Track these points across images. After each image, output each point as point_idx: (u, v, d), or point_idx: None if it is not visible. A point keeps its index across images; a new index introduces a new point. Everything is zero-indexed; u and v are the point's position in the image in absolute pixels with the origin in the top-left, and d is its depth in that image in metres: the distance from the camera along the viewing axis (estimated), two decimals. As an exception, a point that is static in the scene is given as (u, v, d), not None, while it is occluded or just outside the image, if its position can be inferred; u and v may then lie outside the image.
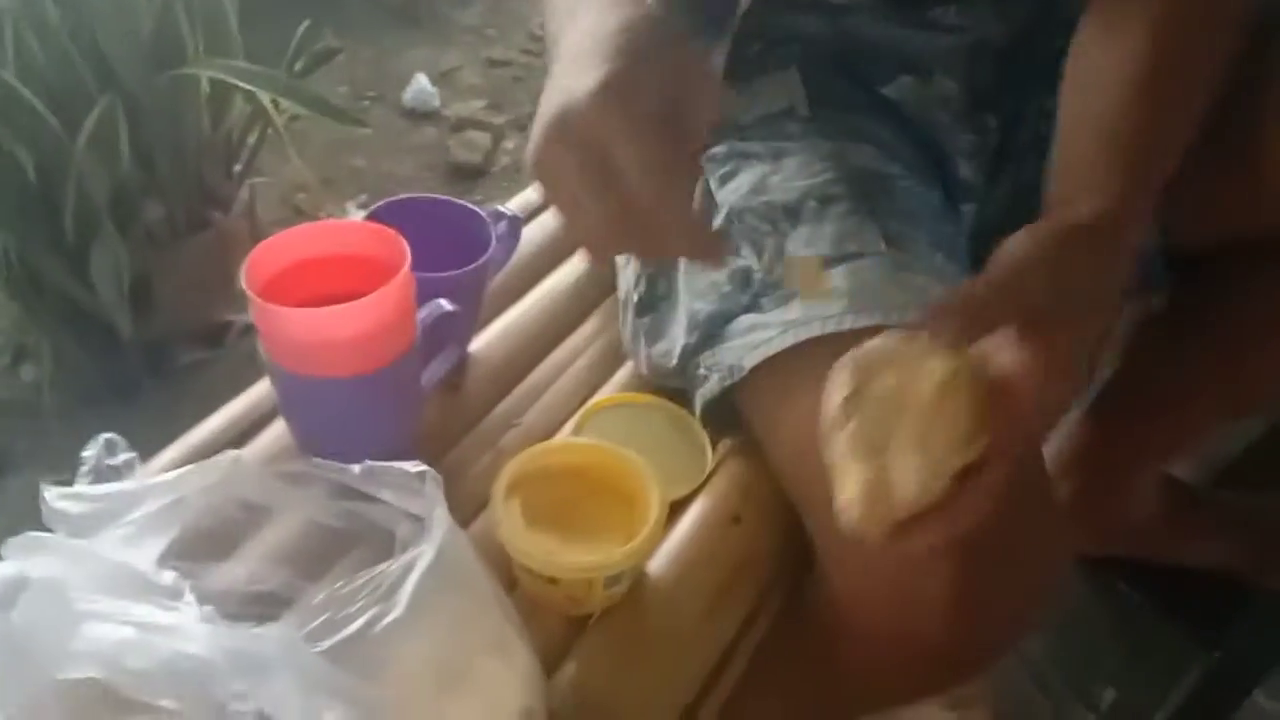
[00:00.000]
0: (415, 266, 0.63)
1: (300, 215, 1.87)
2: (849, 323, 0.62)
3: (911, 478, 0.47)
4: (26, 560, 0.42)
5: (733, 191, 0.71)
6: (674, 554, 0.63)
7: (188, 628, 0.40)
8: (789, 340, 0.63)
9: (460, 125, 2.14)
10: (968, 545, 0.57)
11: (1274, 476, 0.98)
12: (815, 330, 0.62)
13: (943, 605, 0.56)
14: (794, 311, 0.64)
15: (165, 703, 0.40)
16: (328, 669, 0.41)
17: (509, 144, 2.14)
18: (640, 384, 0.74)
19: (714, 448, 0.70)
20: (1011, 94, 0.83)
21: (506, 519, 0.57)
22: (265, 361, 0.58)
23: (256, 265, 0.57)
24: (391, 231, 0.58)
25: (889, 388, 0.49)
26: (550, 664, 0.56)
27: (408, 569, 0.45)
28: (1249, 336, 0.75)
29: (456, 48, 2.39)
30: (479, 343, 0.73)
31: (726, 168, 0.72)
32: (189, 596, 0.43)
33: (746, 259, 0.68)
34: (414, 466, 0.48)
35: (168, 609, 0.41)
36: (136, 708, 0.40)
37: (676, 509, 0.66)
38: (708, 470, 0.68)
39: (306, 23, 1.47)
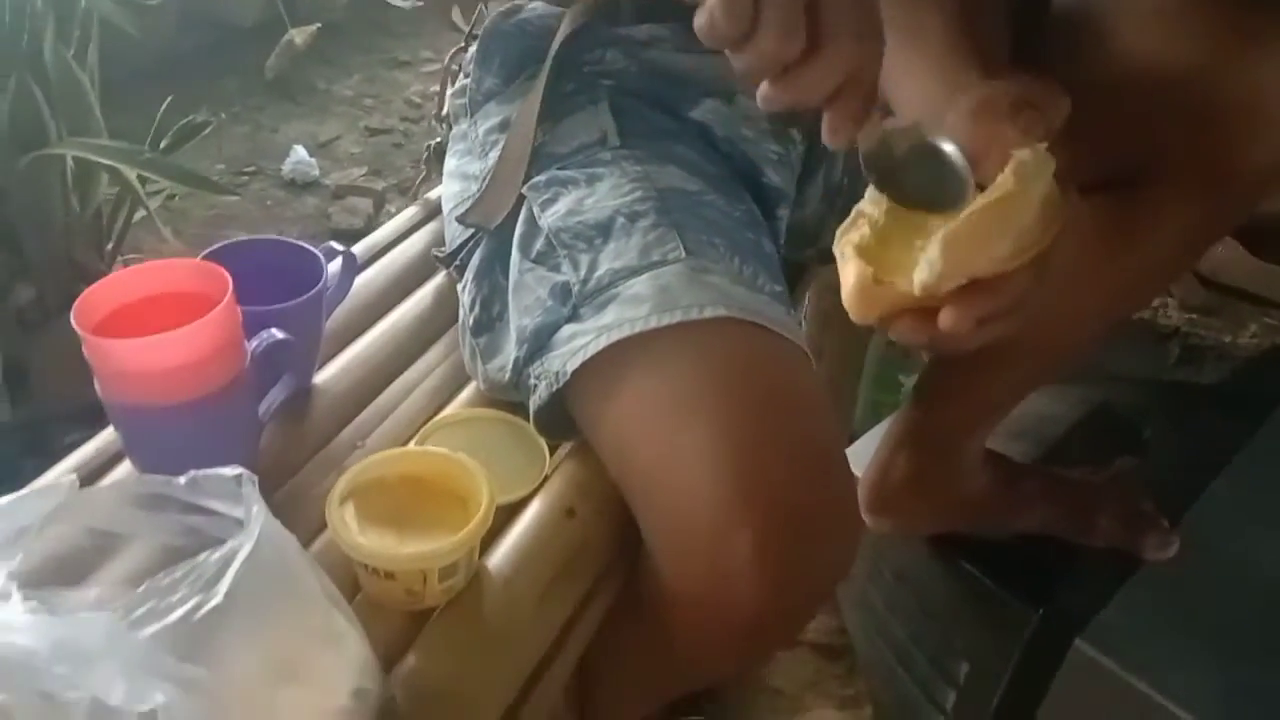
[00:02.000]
0: (253, 303, 0.68)
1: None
2: (654, 322, 0.68)
3: (930, 270, 0.51)
4: None
5: (552, 215, 0.77)
6: (511, 548, 0.67)
7: (11, 620, 0.44)
8: (603, 342, 0.68)
9: (341, 193, 2.18)
10: (768, 517, 0.63)
11: (1094, 453, 1.07)
12: (625, 331, 0.68)
13: (748, 574, 0.62)
14: (607, 317, 0.70)
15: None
16: (153, 653, 0.45)
17: (391, 207, 2.19)
18: (483, 402, 0.79)
19: (552, 453, 0.75)
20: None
21: (340, 521, 0.61)
22: (102, 399, 0.62)
23: (86, 307, 0.61)
24: (215, 266, 0.63)
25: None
26: (393, 658, 0.60)
27: (227, 560, 0.48)
28: (1055, 282, 0.81)
29: (335, 119, 2.44)
30: (323, 375, 0.78)
31: (547, 195, 0.78)
32: (15, 594, 0.46)
33: (566, 274, 0.74)
34: (231, 471, 0.52)
35: (-9, 607, 0.44)
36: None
37: (516, 509, 0.71)
38: (545, 473, 0.73)
39: (169, 99, 1.51)
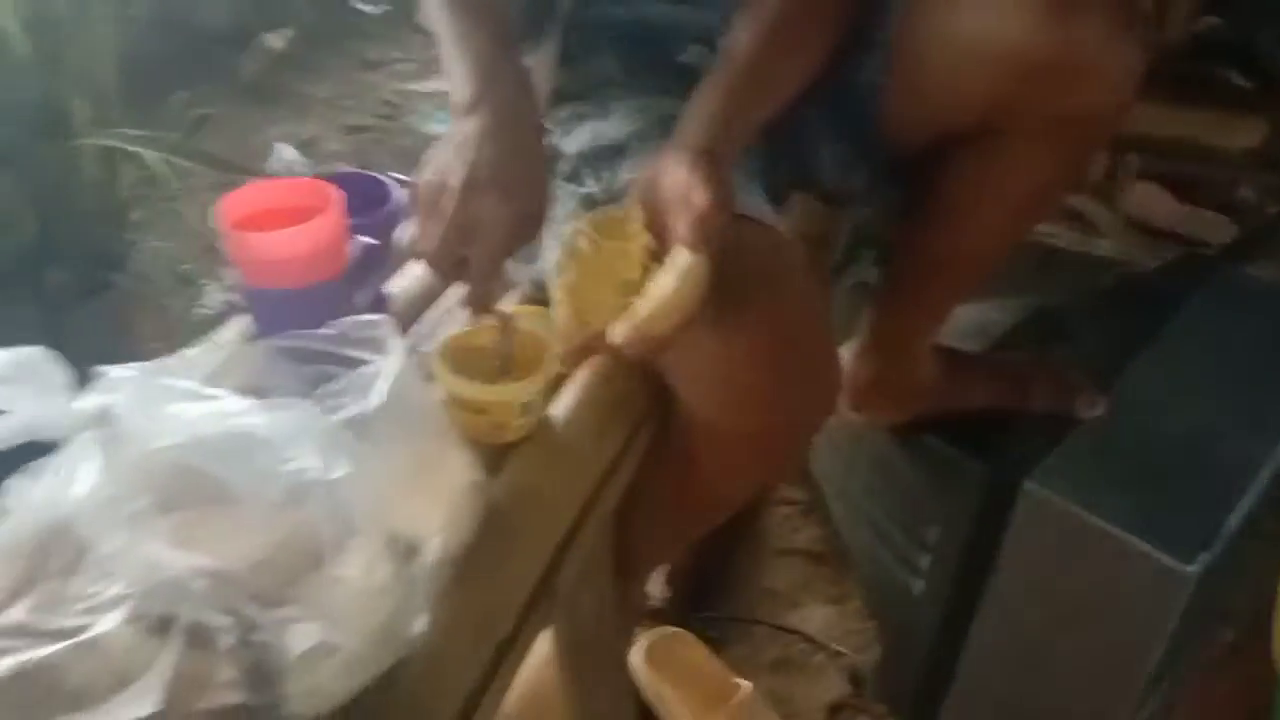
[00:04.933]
0: (340, 219, 0.83)
1: (183, 282, 2.01)
2: None
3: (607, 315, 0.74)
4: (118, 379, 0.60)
5: (575, 140, 0.93)
6: (567, 403, 0.83)
7: (229, 408, 0.58)
8: None
9: (332, 184, 2.30)
10: (777, 352, 0.79)
11: (1029, 344, 1.25)
12: None
13: (759, 393, 0.78)
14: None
15: (222, 469, 0.58)
16: (339, 433, 0.60)
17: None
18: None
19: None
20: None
21: (443, 369, 0.76)
22: (240, 285, 0.76)
23: (225, 210, 0.76)
24: (325, 183, 0.78)
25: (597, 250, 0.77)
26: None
27: (378, 375, 0.63)
28: (959, 213, 0.99)
29: (315, 119, 2.55)
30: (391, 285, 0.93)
31: (569, 125, 0.95)
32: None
33: (590, 187, 0.90)
34: (370, 317, 0.67)
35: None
36: (203, 474, 0.58)
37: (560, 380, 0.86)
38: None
39: (185, 94, 1.64)
